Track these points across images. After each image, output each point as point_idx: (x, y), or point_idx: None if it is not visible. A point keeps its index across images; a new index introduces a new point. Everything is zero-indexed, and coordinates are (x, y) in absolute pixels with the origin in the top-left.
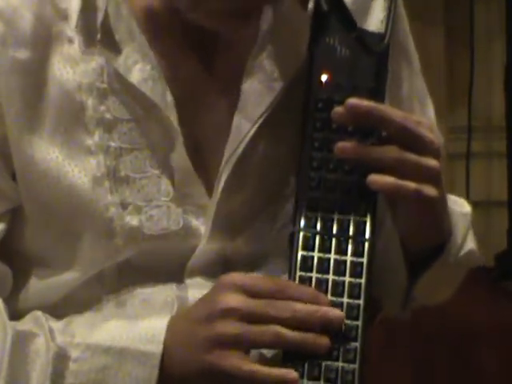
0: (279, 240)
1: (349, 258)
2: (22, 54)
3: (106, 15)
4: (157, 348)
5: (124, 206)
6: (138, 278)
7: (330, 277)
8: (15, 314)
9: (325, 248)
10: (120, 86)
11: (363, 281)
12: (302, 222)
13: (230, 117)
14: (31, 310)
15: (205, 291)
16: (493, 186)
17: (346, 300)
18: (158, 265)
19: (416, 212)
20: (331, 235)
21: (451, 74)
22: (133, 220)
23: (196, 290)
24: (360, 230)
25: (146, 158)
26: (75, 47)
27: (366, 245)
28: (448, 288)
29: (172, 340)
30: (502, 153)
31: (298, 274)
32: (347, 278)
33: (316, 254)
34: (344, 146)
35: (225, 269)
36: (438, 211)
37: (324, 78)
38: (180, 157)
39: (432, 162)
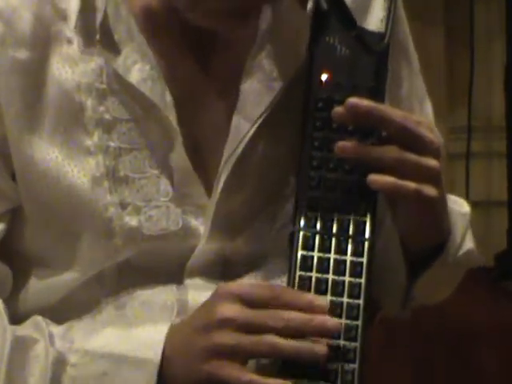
0: (279, 240)
1: (349, 257)
2: (22, 54)
3: (105, 16)
4: (155, 355)
5: (123, 206)
6: (137, 278)
7: (330, 276)
8: (15, 315)
9: (325, 248)
10: (119, 87)
11: (363, 280)
12: (302, 222)
13: (229, 117)
14: (31, 311)
15: (205, 293)
16: (493, 186)
17: (345, 300)
18: (158, 265)
19: (416, 212)
20: (331, 235)
21: (451, 74)
22: (132, 220)
23: (196, 291)
24: (360, 230)
25: (145, 158)
26: (74, 47)
27: (366, 244)
28: (447, 287)
29: (171, 349)
30: (502, 153)
31: (298, 273)
32: (347, 278)
33: (316, 254)
34: (344, 145)
35: (224, 269)
36: (437, 211)
37: (324, 77)
38: (179, 157)
39: (432, 162)
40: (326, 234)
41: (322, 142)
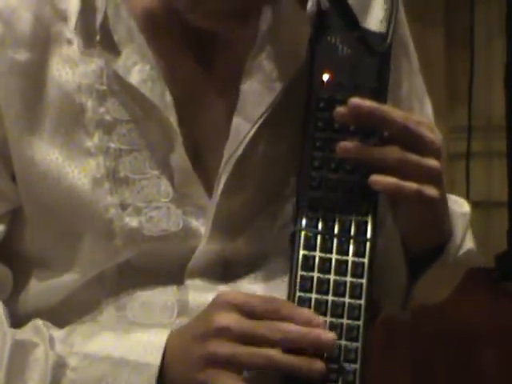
0: (279, 240)
1: (350, 257)
2: (21, 55)
3: (105, 17)
4: (155, 360)
5: (124, 207)
6: (137, 279)
7: (332, 277)
8: (15, 316)
9: (326, 248)
10: (119, 88)
11: (364, 281)
12: (304, 222)
13: (229, 117)
14: (31, 312)
15: (205, 294)
16: (493, 186)
17: (347, 300)
18: (158, 266)
19: (417, 212)
20: (332, 235)
21: (451, 74)
22: (132, 221)
23: (196, 292)
24: (361, 230)
25: (146, 158)
26: (74, 48)
27: (368, 245)
28: (447, 288)
29: (170, 355)
30: (502, 152)
31: (300, 273)
32: (348, 278)
33: (317, 254)
34: (346, 145)
35: (225, 269)
36: (438, 211)
37: (326, 77)
38: (179, 157)
39: (433, 163)
40: (327, 234)
41: (324, 142)
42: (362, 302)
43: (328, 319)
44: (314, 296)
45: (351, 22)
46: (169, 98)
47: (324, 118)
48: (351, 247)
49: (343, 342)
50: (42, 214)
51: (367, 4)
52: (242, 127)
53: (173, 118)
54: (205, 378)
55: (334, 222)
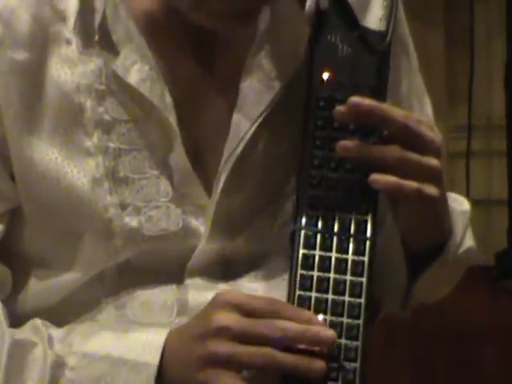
0: (279, 238)
1: (350, 256)
2: (20, 55)
3: (104, 17)
4: (153, 359)
5: (123, 206)
6: (137, 278)
7: (332, 275)
8: (14, 316)
9: (326, 246)
10: (118, 87)
11: (364, 279)
12: (303, 221)
13: (229, 116)
14: (30, 312)
15: (205, 293)
16: (493, 185)
17: (347, 298)
18: (158, 265)
19: (417, 211)
20: (332, 234)
21: (451, 74)
22: (132, 221)
23: (196, 291)
24: (361, 229)
25: (145, 158)
26: (73, 48)
27: (367, 243)
28: (447, 286)
29: (169, 354)
30: (502, 151)
31: (300, 272)
32: (348, 277)
33: (317, 253)
34: (346, 144)
35: (225, 268)
36: (438, 210)
37: (326, 75)
38: (179, 157)
39: (433, 162)
40: (327, 232)
41: (324, 140)
42: (362, 300)
43: (328, 318)
44: (313, 295)
45: (351, 20)
46: (168, 97)
47: (324, 117)
48: (351, 246)
49: (343, 341)
50: (41, 214)
51: (366, 2)
52: (242, 125)
53: (172, 118)
54: (204, 378)
55: (334, 220)
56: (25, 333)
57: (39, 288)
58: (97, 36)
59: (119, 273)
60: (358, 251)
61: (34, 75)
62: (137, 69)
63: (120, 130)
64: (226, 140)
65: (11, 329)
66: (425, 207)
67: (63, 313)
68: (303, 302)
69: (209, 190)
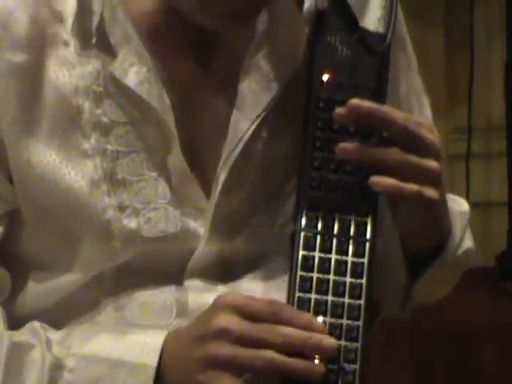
0: (279, 239)
1: (350, 258)
2: (18, 57)
3: (102, 19)
4: (152, 361)
5: (122, 208)
6: (136, 280)
7: (331, 277)
8: (12, 318)
9: (326, 248)
10: (116, 89)
11: (364, 281)
12: (303, 222)
13: (227, 117)
14: (29, 314)
15: (205, 294)
16: (493, 187)
17: (347, 300)
18: (157, 267)
19: (417, 213)
20: (332, 235)
21: (451, 74)
22: (131, 223)
23: (196, 293)
24: (361, 231)
25: (143, 160)
26: (71, 50)
27: (367, 245)
28: (445, 287)
29: (168, 356)
30: (502, 153)
31: (299, 273)
32: (348, 279)
33: (317, 254)
34: (346, 146)
35: (225, 270)
36: (438, 213)
37: (325, 77)
38: (177, 159)
39: (433, 164)
40: (327, 234)
41: (324, 142)
42: (362, 302)
43: (328, 319)
44: (313, 296)
45: (351, 22)
46: (166, 99)
47: (324, 119)
48: (351, 247)
49: (343, 342)
50: (39, 216)
51: (365, 1)
52: (241, 125)
53: (170, 120)
54: (205, 380)
55: (334, 222)
56: (23, 335)
57: (38, 290)
58: (94, 38)
59: (118, 274)
60: (358, 253)
61: (31, 77)
62: (134, 71)
63: (118, 132)
64: (224, 141)
65: (10, 331)
66: (424, 209)
67: (62, 314)
68: (303, 304)
69: (207, 191)
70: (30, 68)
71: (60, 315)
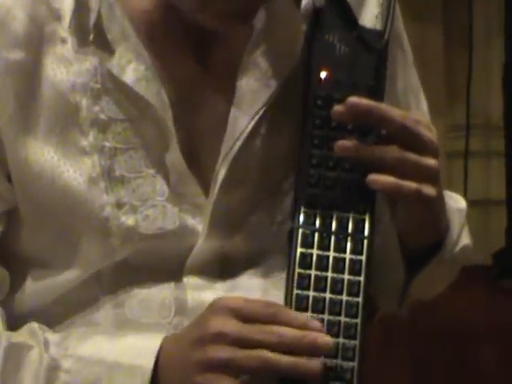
0: (278, 236)
1: (348, 255)
2: (16, 55)
3: (99, 16)
4: (148, 363)
5: (120, 205)
6: (135, 277)
7: (329, 274)
8: (11, 316)
9: (324, 245)
10: (114, 86)
11: (362, 278)
12: (301, 219)
13: (225, 114)
14: (27, 311)
15: (203, 292)
16: (491, 185)
17: (344, 298)
18: (156, 264)
19: (415, 211)
20: (330, 232)
21: (450, 73)
22: (129, 220)
23: (195, 290)
24: (359, 228)
25: (141, 157)
26: (68, 47)
27: (365, 243)
28: (442, 284)
29: (165, 358)
30: (501, 151)
31: (297, 270)
32: (346, 276)
33: (315, 252)
34: (344, 144)
35: (223, 267)
36: (436, 210)
37: (323, 74)
38: (174, 156)
39: (431, 162)
40: (325, 231)
41: (322, 140)
42: (360, 299)
43: (326, 317)
44: (311, 294)
45: (349, 19)
46: (164, 97)
47: (322, 116)
48: (349, 245)
49: (341, 340)
50: (38, 214)
51: None
52: (240, 122)
53: (168, 117)
54: (203, 382)
55: (332, 219)
56: (21, 336)
57: (37, 287)
58: (92, 35)
59: (116, 272)
60: (356, 250)
61: (29, 75)
62: (132, 68)
63: (116, 129)
64: (222, 138)
65: (8, 332)
66: (423, 207)
67: (60, 312)
68: (301, 301)
69: (205, 189)
70: (27, 66)
71: (59, 312)
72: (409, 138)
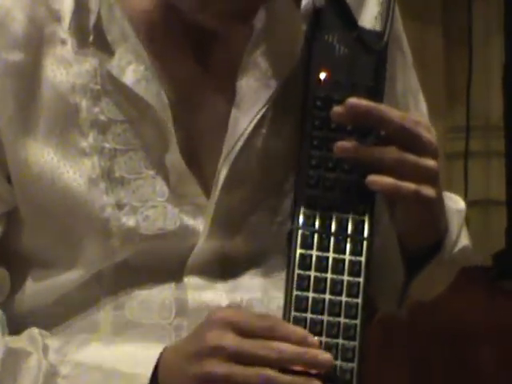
0: (279, 236)
1: (347, 256)
2: (15, 57)
3: (99, 17)
4: (147, 372)
5: (120, 206)
6: (136, 278)
7: (329, 275)
8: (12, 316)
9: (323, 246)
10: (113, 87)
11: (362, 279)
12: (301, 220)
13: (225, 114)
14: (27, 312)
15: (204, 292)
16: (491, 186)
17: (344, 299)
18: (156, 264)
19: (414, 212)
20: (330, 234)
21: (449, 74)
22: (129, 220)
23: (195, 291)
24: (358, 229)
25: (141, 158)
26: (68, 48)
27: (365, 244)
28: (441, 284)
29: (163, 369)
30: (501, 152)
31: (297, 272)
32: (346, 277)
33: (314, 253)
34: (343, 145)
35: (224, 267)
36: (435, 211)
37: (323, 75)
38: (174, 157)
39: (430, 163)
40: (324, 232)
41: (321, 141)
42: (359, 300)
43: (325, 318)
44: (311, 295)
45: (348, 20)
46: (164, 97)
47: (321, 117)
48: (348, 246)
49: (340, 341)
50: (38, 215)
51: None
52: (241, 122)
53: (168, 118)
54: None
55: (332, 220)
56: (21, 342)
57: (37, 288)
58: (92, 36)
59: (117, 272)
60: (355, 251)
61: (29, 76)
62: (132, 69)
63: (116, 130)
64: (223, 138)
65: (7, 337)
66: (422, 208)
67: (61, 312)
68: (300, 302)
69: (206, 189)
70: (27, 67)
71: (59, 313)
72: (408, 139)
